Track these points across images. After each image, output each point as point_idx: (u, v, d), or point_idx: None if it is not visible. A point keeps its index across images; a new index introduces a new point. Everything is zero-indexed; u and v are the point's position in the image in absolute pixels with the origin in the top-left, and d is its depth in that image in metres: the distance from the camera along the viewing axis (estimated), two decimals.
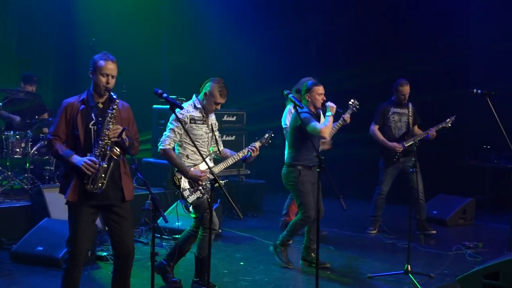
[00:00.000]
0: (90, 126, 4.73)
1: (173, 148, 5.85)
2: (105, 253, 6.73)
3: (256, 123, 10.45)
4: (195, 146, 5.32)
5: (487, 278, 5.63)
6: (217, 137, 6.12)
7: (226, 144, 9.97)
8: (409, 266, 6.34)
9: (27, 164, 8.41)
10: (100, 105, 4.81)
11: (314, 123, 6.55)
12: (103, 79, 4.73)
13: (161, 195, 8.87)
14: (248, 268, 6.85)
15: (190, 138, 5.50)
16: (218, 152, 6.11)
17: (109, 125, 4.68)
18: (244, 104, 10.92)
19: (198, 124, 5.86)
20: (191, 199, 5.77)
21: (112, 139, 4.68)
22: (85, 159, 4.61)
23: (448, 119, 8.26)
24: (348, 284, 6.29)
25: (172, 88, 11.24)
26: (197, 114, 5.87)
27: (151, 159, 9.82)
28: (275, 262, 6.91)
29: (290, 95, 5.73)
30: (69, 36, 11.04)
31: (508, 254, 6.07)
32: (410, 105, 8.48)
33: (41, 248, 6.57)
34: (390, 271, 6.55)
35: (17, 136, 8.47)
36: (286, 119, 7.77)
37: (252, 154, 5.93)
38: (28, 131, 8.51)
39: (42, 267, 6.40)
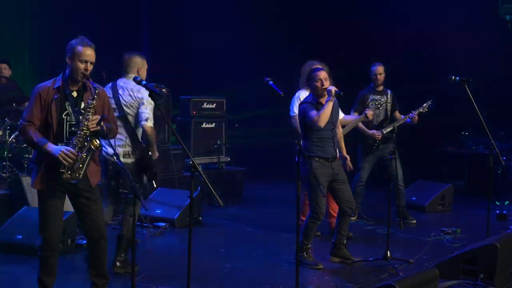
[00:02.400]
0: (63, 116, 4.68)
1: None
2: (85, 241, 6.70)
3: (237, 111, 10.46)
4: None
5: (466, 263, 5.71)
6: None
7: (206, 131, 10.08)
8: (388, 252, 6.39)
9: (5, 152, 8.34)
10: (74, 94, 4.74)
11: (310, 112, 6.17)
12: (82, 66, 4.66)
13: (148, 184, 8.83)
14: (229, 255, 6.87)
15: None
16: None
17: (88, 115, 4.64)
18: (224, 91, 10.89)
19: None
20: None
21: (92, 129, 4.64)
22: (62, 148, 4.56)
23: (425, 104, 8.27)
24: (328, 270, 6.32)
25: (152, 76, 11.18)
26: None
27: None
28: (256, 249, 6.94)
29: (270, 83, 5.73)
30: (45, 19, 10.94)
31: (486, 239, 6.14)
32: (389, 92, 8.50)
33: (20, 237, 6.52)
34: (369, 257, 6.60)
35: None
36: (295, 107, 7.26)
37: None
38: (6, 119, 8.43)
39: (22, 256, 6.35)
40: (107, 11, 11.38)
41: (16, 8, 10.81)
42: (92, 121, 4.64)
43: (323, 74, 6.21)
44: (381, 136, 8.26)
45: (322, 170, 6.25)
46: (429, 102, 8.25)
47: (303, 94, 7.10)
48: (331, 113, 6.19)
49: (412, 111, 8.20)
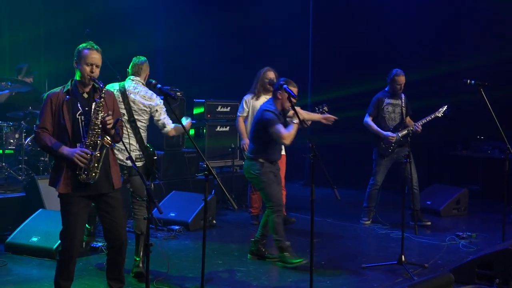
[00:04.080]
0: (77, 116, 4.72)
1: None
2: (100, 244, 6.74)
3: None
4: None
5: (481, 268, 5.68)
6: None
7: (220, 134, 10.09)
8: (403, 257, 6.37)
9: (21, 155, 8.40)
10: (85, 95, 4.80)
11: (279, 127, 6.34)
12: (87, 68, 4.71)
13: (156, 186, 8.86)
14: (243, 259, 6.86)
15: None
16: None
17: (98, 113, 4.68)
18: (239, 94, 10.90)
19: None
20: None
21: (109, 126, 4.67)
22: (76, 150, 4.62)
23: (440, 108, 8.24)
24: (342, 275, 6.31)
25: (167, 79, 11.27)
26: None
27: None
28: (271, 252, 6.94)
29: (284, 86, 5.73)
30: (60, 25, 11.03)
31: (501, 244, 6.10)
32: (403, 96, 8.47)
33: (35, 239, 6.57)
34: (384, 262, 6.57)
35: (11, 127, 8.45)
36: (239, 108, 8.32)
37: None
38: (22, 122, 8.49)
39: (37, 258, 6.41)
40: (122, 13, 11.48)
41: (32, 13, 10.90)
42: (109, 117, 4.68)
43: (296, 90, 6.33)
44: (395, 138, 8.22)
45: (270, 169, 6.64)
46: (445, 107, 8.21)
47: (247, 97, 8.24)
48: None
49: (418, 121, 8.17)
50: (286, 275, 6.28)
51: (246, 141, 8.18)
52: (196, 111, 10.07)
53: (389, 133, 8.26)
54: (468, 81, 6.99)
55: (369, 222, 8.59)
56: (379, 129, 8.28)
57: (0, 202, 7.43)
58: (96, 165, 4.68)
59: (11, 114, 8.82)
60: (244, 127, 8.36)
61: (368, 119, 8.40)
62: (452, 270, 5.71)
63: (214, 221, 8.28)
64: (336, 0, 11.87)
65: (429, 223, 8.49)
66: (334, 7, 11.82)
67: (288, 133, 6.33)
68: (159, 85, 4.90)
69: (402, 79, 8.28)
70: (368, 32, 11.50)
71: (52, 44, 11.16)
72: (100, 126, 4.68)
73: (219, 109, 10.17)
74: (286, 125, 6.43)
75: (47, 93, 4.84)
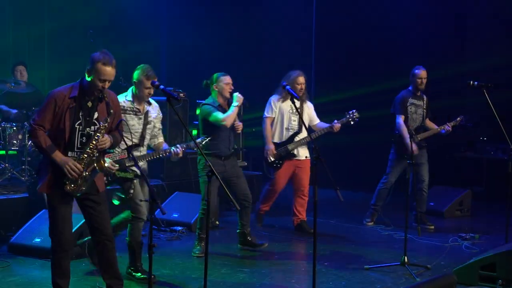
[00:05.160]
0: (76, 126, 4.72)
1: None
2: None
3: (254, 115, 10.44)
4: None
5: (484, 270, 5.67)
6: (156, 130, 6.13)
7: None
8: (406, 258, 6.36)
9: (24, 156, 8.41)
10: (89, 104, 4.78)
11: (216, 113, 6.76)
12: (100, 84, 4.69)
13: (158, 187, 8.88)
14: (246, 259, 6.87)
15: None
16: (154, 143, 6.17)
17: (98, 136, 4.70)
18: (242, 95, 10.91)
19: (128, 114, 5.85)
20: None
21: (100, 148, 4.73)
22: (69, 161, 4.64)
23: (458, 118, 8.31)
24: (345, 276, 6.30)
25: (170, 80, 11.27)
26: (127, 104, 5.87)
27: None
28: (273, 253, 6.94)
29: (287, 87, 5.74)
30: (63, 25, 11.05)
31: (504, 245, 6.09)
32: (425, 97, 8.43)
33: (39, 240, 6.58)
34: (387, 263, 6.57)
35: (14, 128, 8.46)
36: (265, 109, 8.04)
37: (173, 155, 5.94)
38: (25, 123, 8.50)
39: (40, 259, 6.41)
40: (126, 14, 11.51)
41: (36, 12, 10.90)
42: (101, 142, 4.71)
43: (229, 79, 6.92)
44: (417, 152, 8.01)
45: (215, 167, 6.73)
46: (459, 119, 8.28)
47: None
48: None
49: (447, 123, 8.16)
50: (289, 276, 6.28)
51: (271, 147, 7.89)
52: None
53: (414, 147, 7.74)
54: (472, 82, 6.99)
55: (371, 223, 8.59)
56: (408, 136, 7.70)
57: (3, 203, 7.44)
58: (84, 182, 4.72)
59: (13, 114, 8.82)
60: (271, 131, 7.99)
61: (401, 121, 8.17)
62: (455, 271, 5.72)
63: (217, 222, 8.28)
64: (337, 0, 11.87)
65: (432, 227, 8.41)
66: (336, 7, 11.82)
67: (226, 116, 6.74)
68: (162, 86, 4.89)
69: (423, 73, 8.22)
70: (372, 33, 11.49)
71: (55, 45, 11.17)
72: (98, 147, 4.71)
73: None
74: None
75: (53, 90, 4.78)
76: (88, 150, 4.69)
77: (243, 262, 6.75)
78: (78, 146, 4.73)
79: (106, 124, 4.73)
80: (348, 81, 11.58)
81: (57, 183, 4.70)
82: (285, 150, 7.88)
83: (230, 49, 12.50)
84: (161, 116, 6.21)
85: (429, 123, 8.44)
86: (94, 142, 4.68)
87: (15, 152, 8.78)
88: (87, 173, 4.70)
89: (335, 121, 7.79)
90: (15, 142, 8.45)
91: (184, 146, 6.01)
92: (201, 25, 12.48)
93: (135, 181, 5.79)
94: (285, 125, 7.94)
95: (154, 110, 6.08)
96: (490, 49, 10.80)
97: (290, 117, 7.93)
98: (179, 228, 7.83)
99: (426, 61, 10.68)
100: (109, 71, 4.71)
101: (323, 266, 6.47)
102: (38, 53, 11.04)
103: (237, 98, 6.84)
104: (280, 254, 7.08)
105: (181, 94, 9.25)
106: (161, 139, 6.17)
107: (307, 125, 7.75)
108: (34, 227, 6.78)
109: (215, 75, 6.95)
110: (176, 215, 8.07)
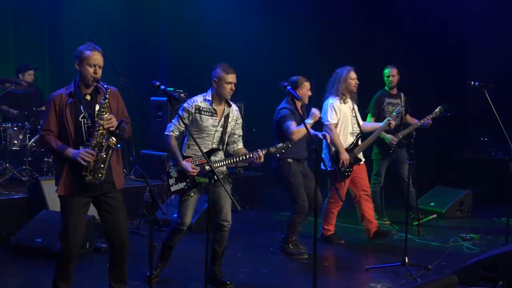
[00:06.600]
0: (80, 119, 4.72)
1: (177, 136, 5.82)
2: (104, 245, 6.73)
3: (254, 116, 10.46)
4: (191, 136, 5.34)
5: (485, 270, 5.67)
6: (235, 137, 5.96)
7: None
8: (406, 258, 6.36)
9: (25, 156, 8.41)
10: (88, 97, 4.79)
11: (289, 123, 6.66)
12: (91, 70, 4.70)
13: (159, 187, 8.86)
14: (246, 259, 6.87)
15: (187, 128, 5.50)
16: (234, 149, 5.98)
17: (103, 115, 4.68)
18: (243, 96, 10.91)
19: (204, 115, 5.72)
20: (174, 188, 5.76)
21: (107, 127, 4.68)
22: (80, 151, 4.61)
23: (437, 109, 8.18)
24: (346, 276, 6.31)
25: (172, 80, 11.25)
26: (204, 105, 5.75)
27: (149, 151, 9.80)
28: (274, 254, 6.94)
29: (287, 88, 5.73)
30: (64, 26, 11.05)
31: (505, 246, 6.09)
32: (402, 95, 8.51)
33: (39, 240, 6.58)
34: (387, 263, 6.57)
35: (15, 128, 8.46)
36: (327, 115, 7.29)
37: (255, 159, 5.78)
38: (26, 123, 8.51)
39: (40, 259, 6.40)
40: (126, 13, 11.51)
41: (37, 14, 10.91)
42: (108, 120, 4.68)
43: (309, 85, 6.84)
44: (397, 141, 8.21)
45: (298, 170, 6.89)
46: (441, 108, 8.17)
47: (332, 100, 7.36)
48: None
49: (426, 116, 8.15)
50: (289, 276, 6.28)
51: (347, 156, 7.21)
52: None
53: (391, 136, 8.23)
54: (472, 82, 7.00)
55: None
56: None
57: (4, 203, 7.43)
58: (102, 166, 4.68)
59: (15, 115, 8.83)
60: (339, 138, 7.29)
61: (370, 120, 8.38)
62: (455, 271, 5.70)
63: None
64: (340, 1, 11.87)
65: (388, 222, 8.50)
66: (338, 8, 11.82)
67: (296, 130, 6.59)
68: (162, 86, 4.88)
69: (393, 70, 8.37)
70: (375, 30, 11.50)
71: (56, 45, 11.17)
72: (105, 127, 4.68)
73: None
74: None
75: (51, 94, 4.83)
76: (96, 132, 4.66)
77: (243, 262, 6.75)
78: (87, 139, 4.70)
79: (106, 101, 4.69)
80: None
81: (74, 182, 4.68)
82: (353, 156, 7.34)
83: (233, 49, 12.42)
84: (241, 122, 5.98)
85: (409, 119, 8.51)
86: (100, 122, 4.65)
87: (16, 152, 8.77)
88: (103, 154, 4.67)
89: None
90: (15, 142, 8.44)
91: (265, 150, 5.84)
92: (203, 23, 12.41)
93: (194, 189, 5.76)
94: (349, 130, 7.37)
95: (233, 114, 5.91)
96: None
97: (352, 120, 7.42)
98: None
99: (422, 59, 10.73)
100: (97, 55, 4.73)
101: (324, 267, 6.46)
102: (39, 53, 11.05)
103: (313, 115, 6.51)
104: (280, 254, 7.07)
105: (182, 95, 9.23)
106: (240, 144, 5.98)
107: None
108: (35, 227, 6.78)
109: (295, 80, 6.83)
110: (176, 216, 8.04)
